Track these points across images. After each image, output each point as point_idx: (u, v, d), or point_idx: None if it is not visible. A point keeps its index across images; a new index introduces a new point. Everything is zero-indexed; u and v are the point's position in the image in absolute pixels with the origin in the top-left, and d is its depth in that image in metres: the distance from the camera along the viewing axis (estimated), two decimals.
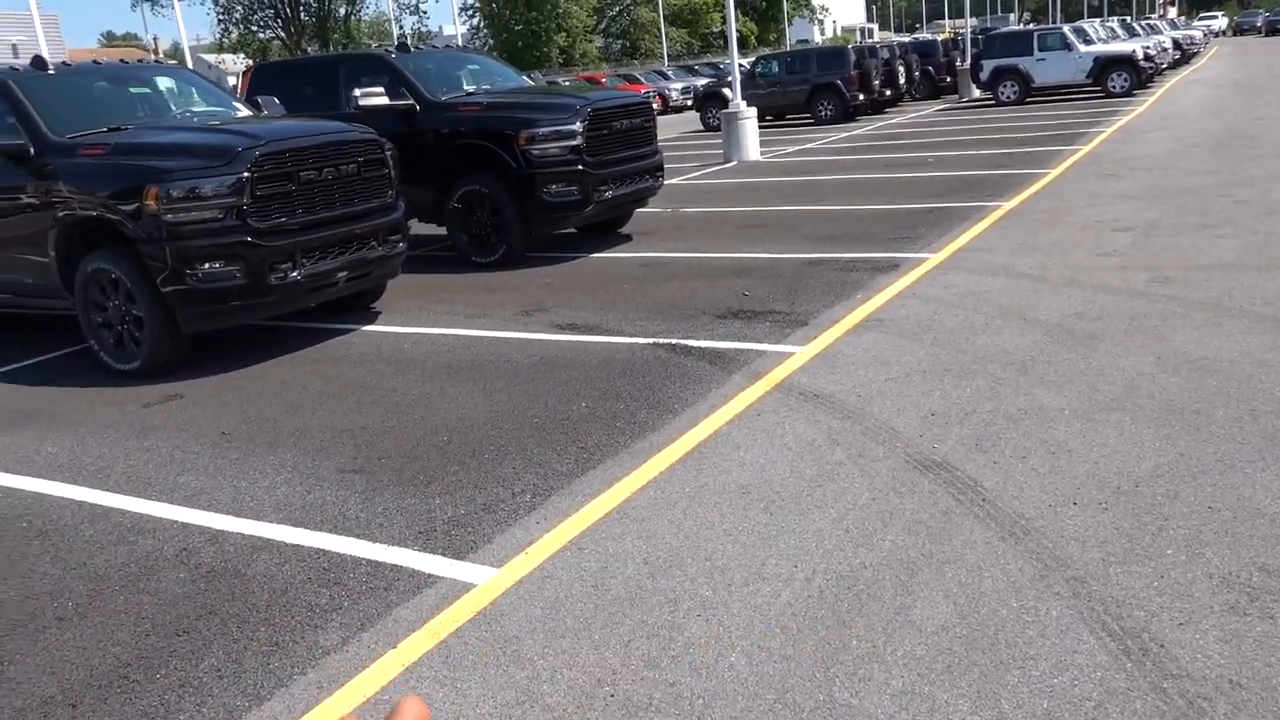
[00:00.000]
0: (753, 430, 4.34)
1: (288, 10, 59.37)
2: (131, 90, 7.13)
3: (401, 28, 63.44)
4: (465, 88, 9.76)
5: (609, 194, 8.89)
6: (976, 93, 25.84)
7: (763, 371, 5.16)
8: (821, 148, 17.95)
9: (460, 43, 47.11)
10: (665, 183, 9.81)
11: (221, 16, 60.17)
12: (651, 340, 5.95)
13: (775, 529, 3.40)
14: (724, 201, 11.87)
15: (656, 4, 58.31)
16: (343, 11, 63.01)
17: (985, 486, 3.57)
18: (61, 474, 4.62)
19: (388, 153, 6.81)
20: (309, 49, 56.86)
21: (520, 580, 3.21)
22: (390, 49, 9.75)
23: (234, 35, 59.78)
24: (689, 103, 38.01)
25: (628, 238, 9.89)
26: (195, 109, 7.49)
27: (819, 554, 3.20)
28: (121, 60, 7.38)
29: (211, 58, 74.70)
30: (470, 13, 59.01)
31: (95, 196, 5.99)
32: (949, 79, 29.44)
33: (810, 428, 4.31)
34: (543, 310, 7.07)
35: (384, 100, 8.87)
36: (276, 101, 8.14)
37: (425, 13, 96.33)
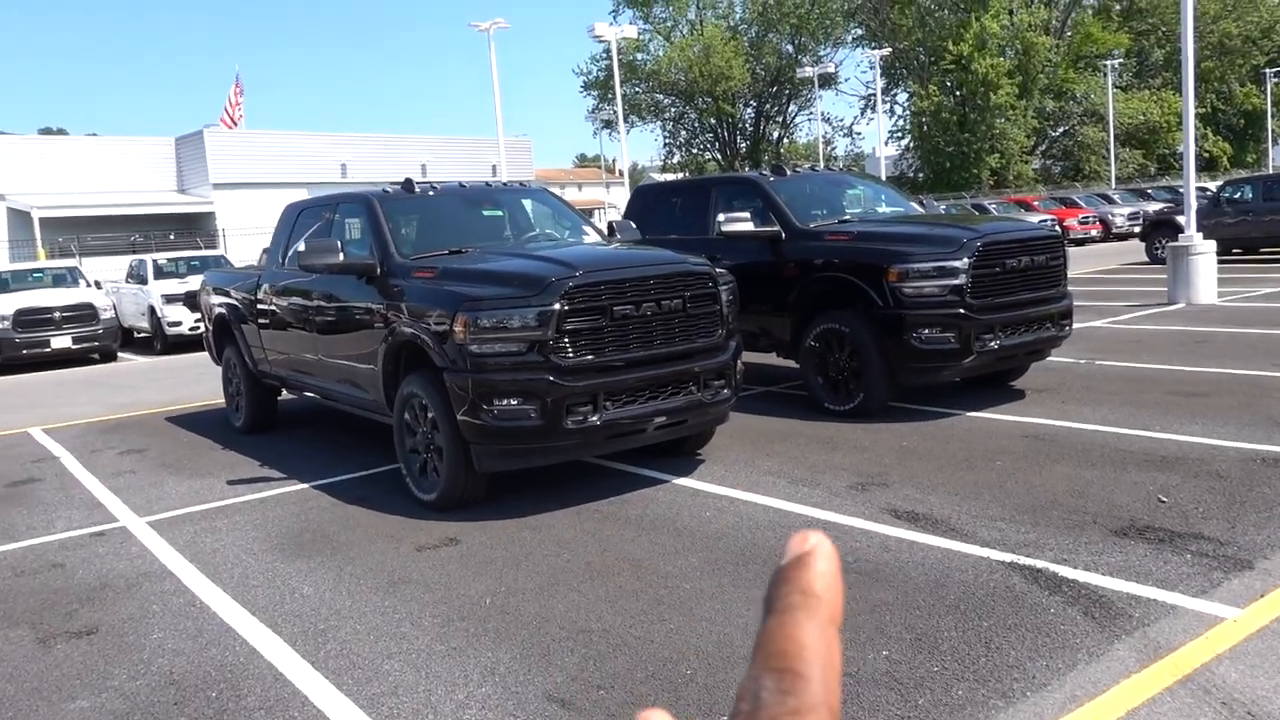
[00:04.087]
0: None
1: (725, 134, 63.29)
2: (484, 213, 7.11)
3: (833, 149, 64.91)
4: (847, 214, 8.86)
5: (994, 344, 7.38)
6: None
7: (1166, 646, 3.47)
8: None
9: (884, 166, 46.70)
10: (1088, 324, 8.08)
11: (668, 140, 65.74)
12: (1009, 557, 4.43)
13: None
14: (1156, 355, 9.65)
15: (1107, 123, 53.84)
16: (775, 135, 65.93)
17: None
18: (288, 629, 4.21)
19: (721, 288, 6.02)
20: (743, 170, 59.94)
21: None
22: (766, 172, 9.14)
23: (676, 157, 64.85)
24: (1136, 229, 34.10)
25: (1019, 394, 8.21)
26: (547, 232, 7.31)
27: None
28: (486, 183, 7.44)
29: (657, 176, 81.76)
30: (900, 134, 58.65)
31: (415, 319, 5.83)
32: None
33: None
34: (883, 485, 5.77)
35: (748, 226, 8.21)
36: (632, 226, 7.79)
37: (860, 134, 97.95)
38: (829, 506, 5.41)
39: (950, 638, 3.64)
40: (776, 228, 8.25)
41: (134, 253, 32.28)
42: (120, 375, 15.47)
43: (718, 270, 6.17)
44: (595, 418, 5.47)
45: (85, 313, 17.21)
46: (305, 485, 6.78)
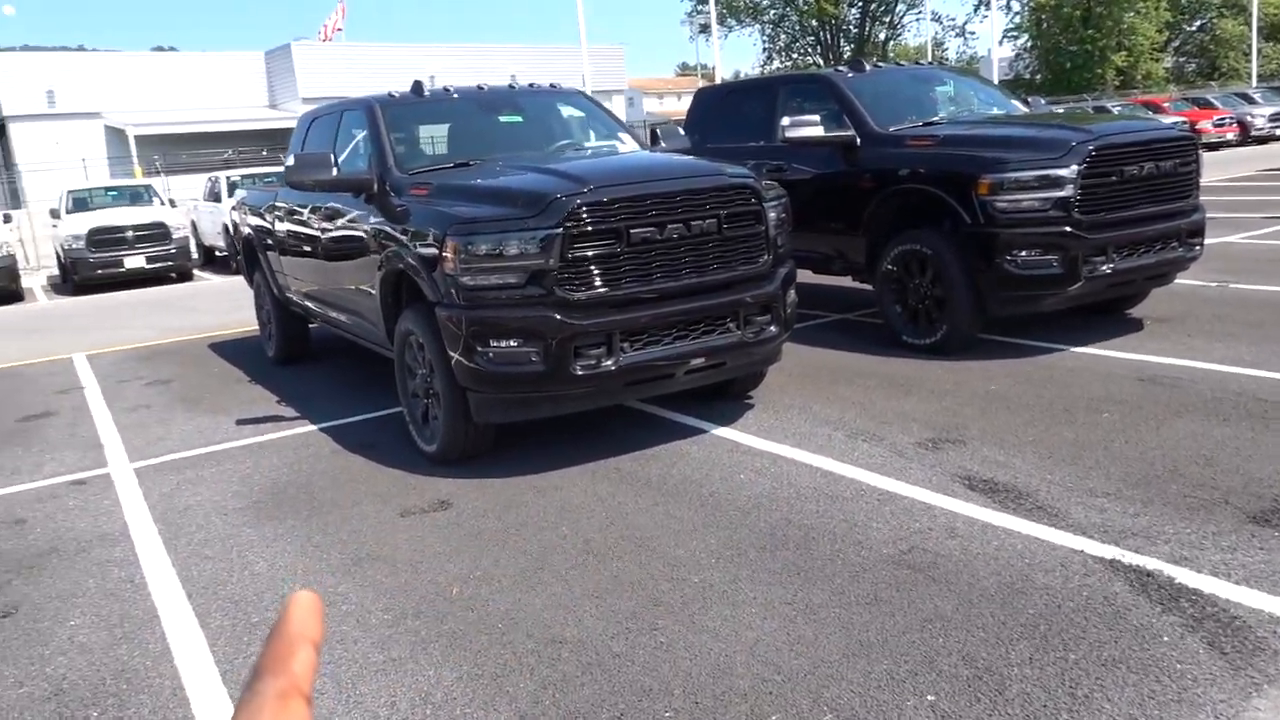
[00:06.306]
0: None
1: (827, 37, 60.19)
2: (502, 120, 6.20)
3: (944, 51, 61.11)
4: (938, 115, 7.64)
5: (1107, 267, 6.20)
6: None
7: None
8: None
9: (997, 68, 43.54)
10: (1221, 240, 6.81)
11: (767, 45, 62.94)
12: (1111, 552, 3.45)
13: None
14: None
15: (1249, 15, 48.96)
16: (882, 36, 62.40)
17: None
18: (215, 622, 3.55)
19: (767, 205, 5.02)
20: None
21: None
22: (842, 67, 7.95)
23: (775, 63, 62.05)
24: (1278, 132, 31.02)
25: (1136, 325, 7.02)
26: (580, 141, 6.37)
27: None
28: (510, 85, 6.48)
29: None
30: (1016, 33, 54.65)
31: (406, 245, 5.03)
32: None
33: None
34: (959, 441, 4.79)
35: (816, 131, 7.10)
36: (680, 133, 6.82)
37: (974, 34, 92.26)
38: (889, 470, 4.48)
39: (1021, 677, 2.72)
40: (850, 132, 7.13)
41: (227, 169, 32.51)
42: (187, 297, 15.28)
43: (765, 184, 5.17)
44: (610, 362, 4.61)
45: (157, 232, 17.04)
46: (313, 427, 6.16)
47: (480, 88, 6.35)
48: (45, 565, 4.24)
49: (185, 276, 17.73)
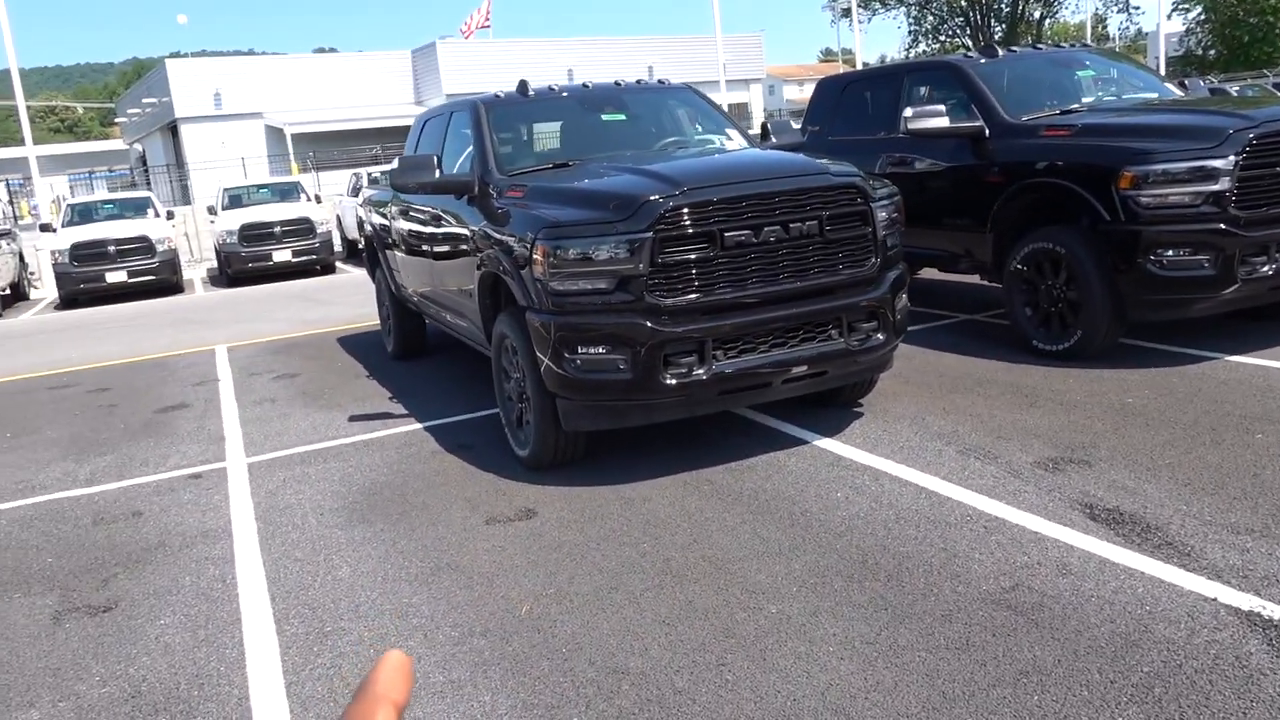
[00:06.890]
0: None
1: (977, 17, 57.68)
2: (604, 118, 6.06)
3: (1105, 28, 57.71)
4: (1078, 101, 7.09)
5: (1269, 268, 5.59)
6: None
7: None
8: None
9: (1164, 44, 40.73)
10: None
11: (913, 28, 60.76)
12: (1249, 602, 3.04)
13: None
14: None
15: None
16: (1037, 15, 59.35)
17: None
18: (291, 629, 3.56)
19: (875, 205, 4.72)
20: None
21: None
22: (973, 54, 7.47)
23: (921, 46, 59.90)
24: None
25: None
26: (686, 138, 6.18)
27: None
28: (615, 82, 6.34)
29: None
30: (1187, 6, 50.96)
31: (500, 247, 4.97)
32: None
33: None
34: (1084, 462, 4.38)
35: (941, 122, 6.68)
36: (792, 126, 6.56)
37: (1138, 8, 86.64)
38: (1000, 493, 4.13)
39: None
40: (978, 122, 6.68)
41: (374, 164, 33.72)
42: (326, 289, 15.86)
43: (874, 182, 4.86)
44: (701, 370, 4.43)
45: (303, 227, 17.79)
46: (418, 425, 6.21)
47: (585, 86, 6.25)
48: (150, 560, 4.39)
49: (328, 269, 18.45)
